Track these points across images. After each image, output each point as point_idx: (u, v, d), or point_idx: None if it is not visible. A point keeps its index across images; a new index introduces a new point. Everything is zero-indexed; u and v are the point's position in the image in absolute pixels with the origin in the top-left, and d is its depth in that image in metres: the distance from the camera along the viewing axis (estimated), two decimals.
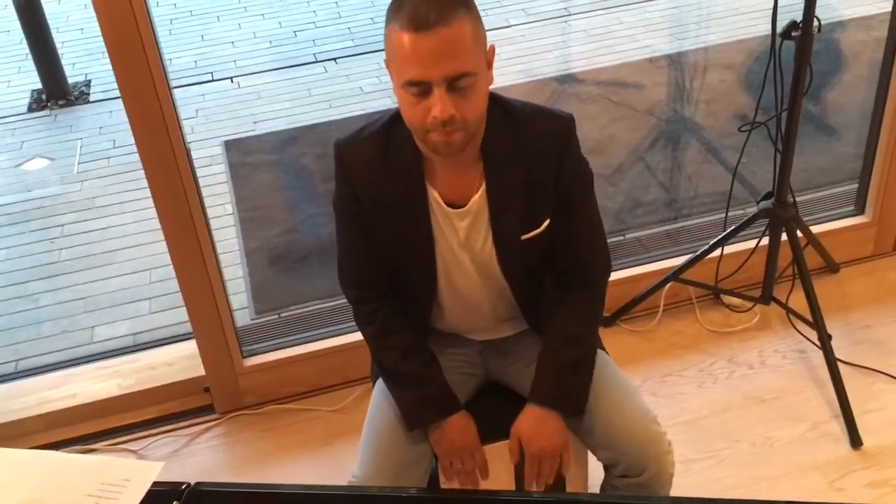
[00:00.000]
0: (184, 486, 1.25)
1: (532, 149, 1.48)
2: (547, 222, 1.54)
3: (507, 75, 4.13)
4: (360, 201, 1.53)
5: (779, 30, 2.10)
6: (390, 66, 1.40)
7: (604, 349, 1.73)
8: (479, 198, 1.50)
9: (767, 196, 2.37)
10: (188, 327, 2.34)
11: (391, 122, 1.50)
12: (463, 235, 1.53)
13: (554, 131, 1.49)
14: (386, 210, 1.51)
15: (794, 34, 2.09)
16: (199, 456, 2.30)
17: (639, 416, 1.58)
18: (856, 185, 2.78)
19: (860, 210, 2.76)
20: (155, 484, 1.22)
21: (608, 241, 2.80)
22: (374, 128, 1.51)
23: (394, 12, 1.35)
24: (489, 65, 1.42)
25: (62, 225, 3.45)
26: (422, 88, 1.35)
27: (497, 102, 1.49)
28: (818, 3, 2.05)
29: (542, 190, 1.51)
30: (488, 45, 1.42)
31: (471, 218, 1.52)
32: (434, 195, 1.51)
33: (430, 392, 1.59)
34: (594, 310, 1.63)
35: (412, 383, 1.59)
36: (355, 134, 1.52)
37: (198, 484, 1.26)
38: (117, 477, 1.20)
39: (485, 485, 1.64)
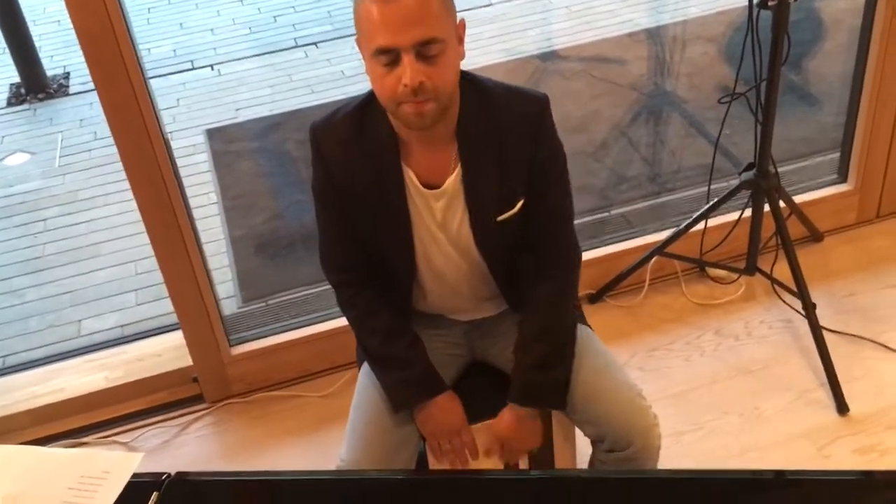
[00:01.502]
0: (164, 477, 1.25)
1: (507, 130, 1.47)
2: (521, 202, 1.54)
3: (489, 54, 4.12)
4: (336, 184, 1.53)
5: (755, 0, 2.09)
6: (360, 41, 1.41)
7: (587, 325, 1.74)
8: (454, 179, 1.50)
9: (749, 167, 2.38)
10: (175, 317, 2.34)
11: (365, 104, 1.50)
12: (440, 216, 1.53)
13: (528, 112, 1.48)
14: (362, 191, 1.51)
15: (770, 3, 2.09)
16: (190, 446, 2.30)
17: (623, 390, 1.59)
18: (838, 154, 2.79)
19: (843, 178, 2.77)
20: (135, 475, 1.22)
21: (593, 217, 2.87)
22: (348, 109, 1.51)
23: None
24: (460, 39, 1.42)
25: (45, 219, 3.44)
26: (391, 57, 1.35)
27: (471, 83, 1.48)
28: None
29: (517, 170, 1.50)
30: (459, 19, 1.42)
31: (447, 199, 1.52)
32: (410, 176, 1.51)
33: (415, 374, 1.59)
34: (565, 298, 1.62)
35: (396, 365, 1.60)
36: (330, 116, 1.52)
37: (178, 474, 1.26)
38: (97, 469, 1.20)
39: (474, 464, 1.65)
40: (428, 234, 1.56)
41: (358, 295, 1.63)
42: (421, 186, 1.51)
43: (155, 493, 1.22)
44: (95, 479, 1.18)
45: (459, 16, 1.43)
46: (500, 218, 1.53)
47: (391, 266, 1.61)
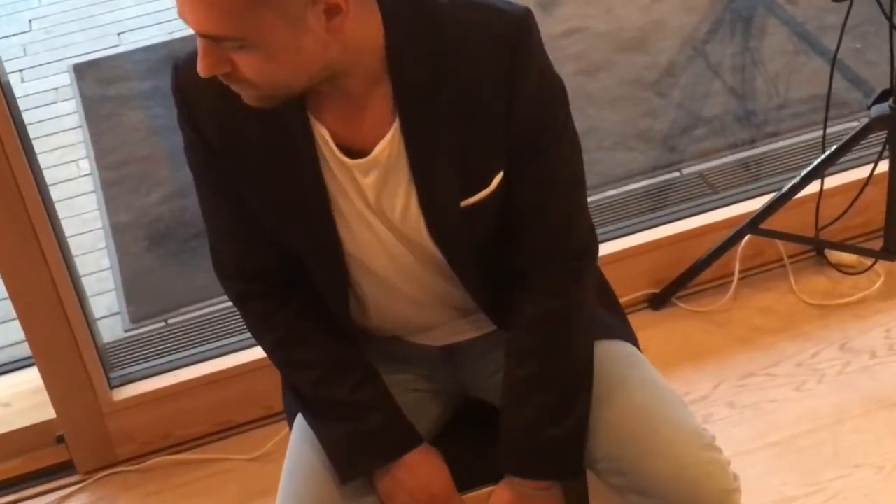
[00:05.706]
0: None
1: (468, 69, 1.45)
2: (499, 177, 1.53)
3: None
4: (214, 150, 1.53)
5: None
6: None
7: (634, 342, 1.75)
8: (390, 142, 1.48)
9: (883, 96, 2.38)
10: (28, 349, 2.37)
11: None
12: (372, 195, 1.53)
13: (499, 42, 1.45)
14: (253, 161, 1.51)
15: None
16: None
17: (686, 440, 1.60)
18: None
19: None
20: None
21: (654, 178, 2.89)
22: None
23: None
24: (331, 10, 1.33)
25: None
26: None
27: None
28: None
29: (489, 130, 1.49)
30: None
31: (380, 171, 1.50)
32: (323, 135, 1.49)
33: (369, 424, 1.61)
34: (573, 317, 1.62)
35: (341, 414, 1.62)
36: None
37: None
38: None
39: None
40: (358, 222, 1.55)
41: (274, 313, 1.64)
42: (339, 152, 1.49)
43: None
44: None
45: None
46: (467, 203, 1.52)
47: (313, 267, 1.62)
